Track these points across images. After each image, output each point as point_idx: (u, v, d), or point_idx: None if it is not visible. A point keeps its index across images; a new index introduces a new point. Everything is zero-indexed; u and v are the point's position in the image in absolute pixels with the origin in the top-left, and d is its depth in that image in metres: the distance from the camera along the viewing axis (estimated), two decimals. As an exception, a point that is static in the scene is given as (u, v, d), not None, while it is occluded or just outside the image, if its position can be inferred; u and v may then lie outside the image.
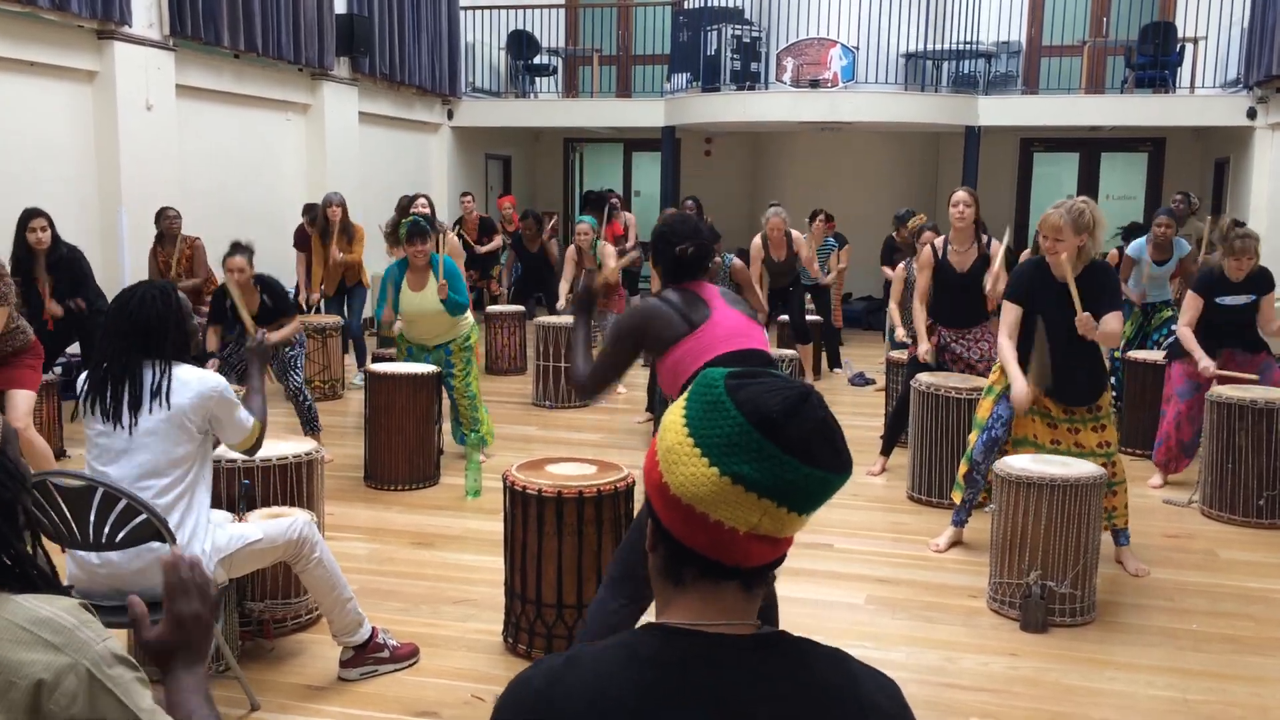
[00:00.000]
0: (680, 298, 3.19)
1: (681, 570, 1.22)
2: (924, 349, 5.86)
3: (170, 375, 3.15)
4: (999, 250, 5.66)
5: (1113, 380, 7.26)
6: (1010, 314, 4.68)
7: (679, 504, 1.18)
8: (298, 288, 8.86)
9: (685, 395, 1.23)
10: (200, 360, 3.38)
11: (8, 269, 5.26)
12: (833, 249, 9.82)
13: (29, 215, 6.39)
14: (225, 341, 6.23)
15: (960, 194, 5.77)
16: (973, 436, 4.87)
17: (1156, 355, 6.97)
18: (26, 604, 1.35)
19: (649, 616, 1.30)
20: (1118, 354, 7.36)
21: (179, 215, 7.97)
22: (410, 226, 6.16)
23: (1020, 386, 4.54)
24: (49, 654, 1.31)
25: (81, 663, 1.32)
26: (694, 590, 1.21)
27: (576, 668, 1.18)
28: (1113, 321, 4.40)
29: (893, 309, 7.68)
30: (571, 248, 8.69)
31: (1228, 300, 5.75)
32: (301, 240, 9.02)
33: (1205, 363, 5.67)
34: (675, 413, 1.22)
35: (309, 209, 9.08)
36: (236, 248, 6.02)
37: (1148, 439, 6.75)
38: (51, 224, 6.44)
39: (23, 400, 5.24)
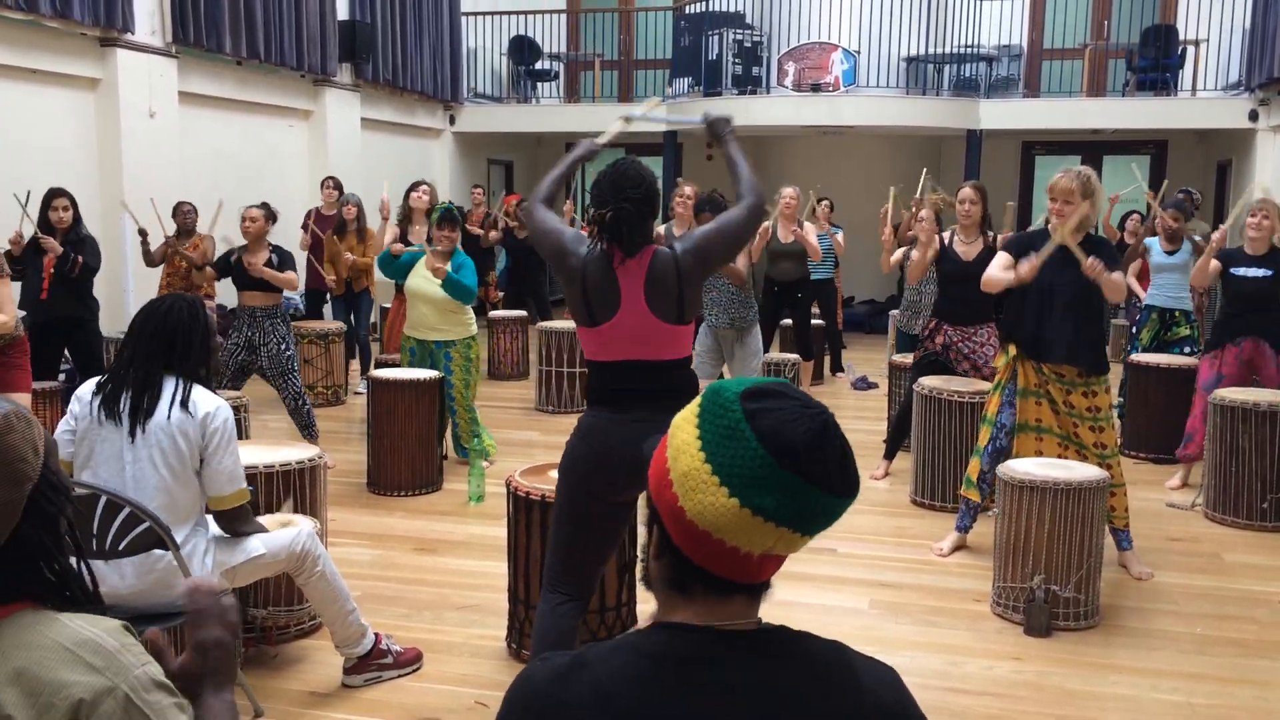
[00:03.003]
0: (595, 280, 2.97)
1: (688, 583, 1.23)
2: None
3: (189, 391, 3.14)
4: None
5: (1120, 385, 7.26)
6: (1002, 258, 4.71)
7: (695, 529, 1.18)
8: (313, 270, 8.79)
9: (696, 411, 1.21)
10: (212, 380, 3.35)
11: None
12: (836, 232, 9.71)
13: (53, 194, 6.52)
14: (225, 330, 6.30)
15: (966, 190, 5.83)
16: (983, 433, 4.85)
17: (1161, 359, 6.94)
18: (70, 624, 1.36)
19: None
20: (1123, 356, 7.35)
21: (195, 209, 8.00)
22: (443, 212, 6.25)
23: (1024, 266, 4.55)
24: (90, 675, 1.31)
25: (120, 687, 1.32)
26: (701, 601, 1.23)
27: (581, 667, 1.20)
28: (1118, 276, 4.46)
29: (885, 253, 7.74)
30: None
31: (1241, 271, 5.77)
32: (316, 221, 9.01)
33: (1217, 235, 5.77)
34: (688, 432, 1.20)
35: (329, 178, 9.25)
36: (263, 205, 6.44)
37: (1150, 443, 6.75)
38: (74, 205, 6.53)
39: (20, 403, 5.21)
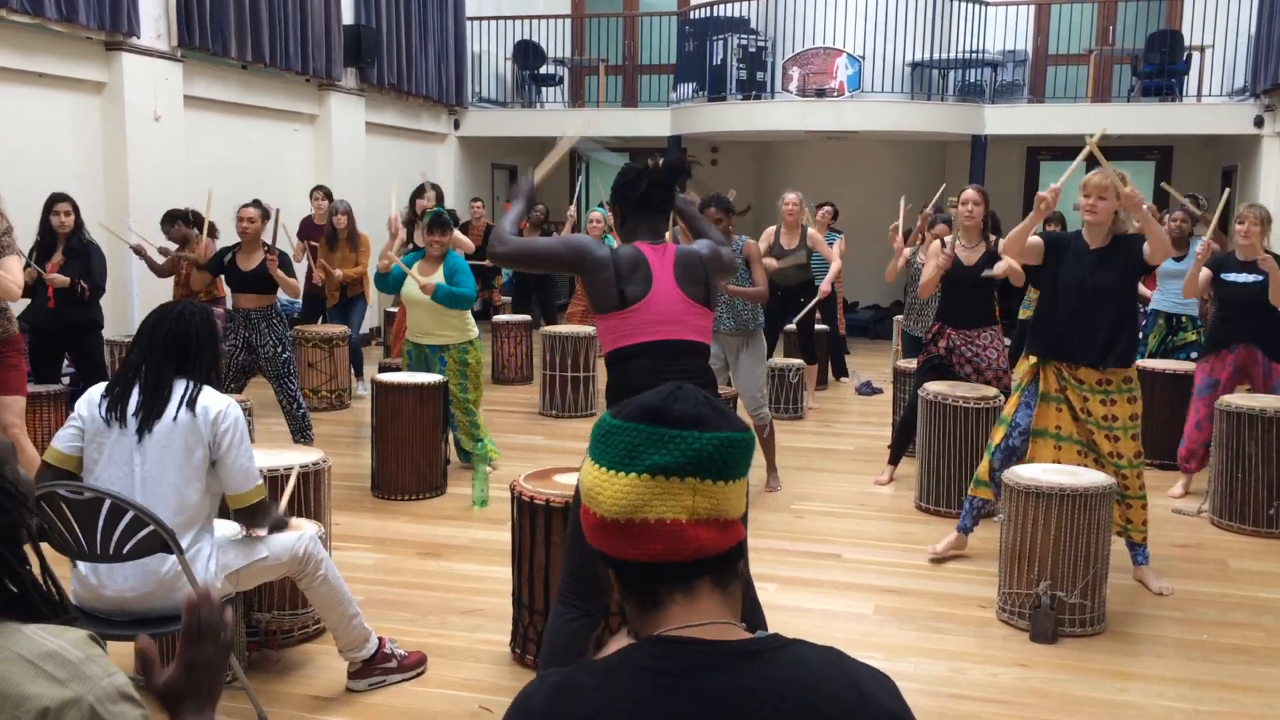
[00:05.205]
0: (627, 261, 3.16)
1: (655, 591, 1.25)
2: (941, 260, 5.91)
3: (199, 393, 3.14)
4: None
5: None
6: (1032, 240, 4.68)
7: (619, 525, 1.23)
8: (310, 275, 8.83)
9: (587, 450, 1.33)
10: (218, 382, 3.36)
11: (9, 221, 5.17)
12: (836, 238, 9.70)
13: (55, 199, 6.48)
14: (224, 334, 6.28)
15: (969, 192, 5.82)
16: (997, 432, 4.82)
17: (1167, 364, 6.91)
18: (34, 636, 1.33)
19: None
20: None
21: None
22: (433, 216, 6.23)
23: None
24: (53, 687, 1.29)
25: (86, 698, 1.30)
26: (674, 604, 1.24)
27: (577, 684, 1.20)
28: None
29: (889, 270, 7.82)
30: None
31: (1232, 276, 5.76)
32: (308, 229, 9.08)
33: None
34: (585, 463, 1.31)
35: (318, 188, 9.30)
36: (256, 203, 6.42)
37: (1156, 449, 6.71)
38: (76, 210, 6.51)
39: (16, 405, 5.18)
